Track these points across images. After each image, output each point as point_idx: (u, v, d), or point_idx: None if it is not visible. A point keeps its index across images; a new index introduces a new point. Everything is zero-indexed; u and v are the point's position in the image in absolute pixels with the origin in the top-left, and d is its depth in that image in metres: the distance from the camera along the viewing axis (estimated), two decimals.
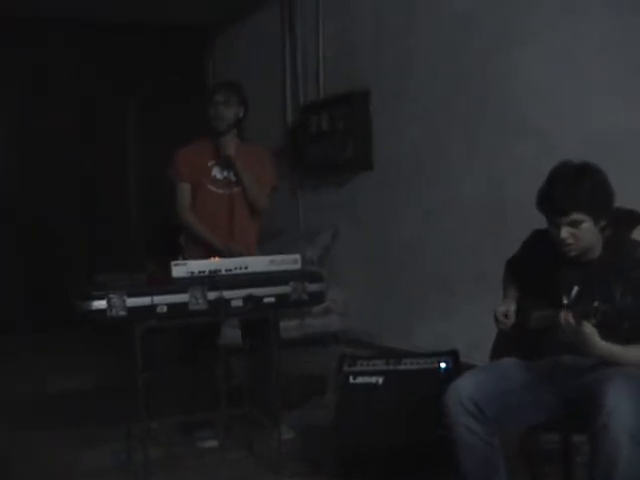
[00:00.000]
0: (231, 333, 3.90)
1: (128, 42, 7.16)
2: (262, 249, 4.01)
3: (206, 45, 7.81)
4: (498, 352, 2.73)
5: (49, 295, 6.31)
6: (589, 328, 2.30)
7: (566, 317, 2.33)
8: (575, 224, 2.41)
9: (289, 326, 4.84)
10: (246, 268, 3.37)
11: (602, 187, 2.44)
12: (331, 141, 5.71)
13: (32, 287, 6.85)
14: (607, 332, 2.32)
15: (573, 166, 2.47)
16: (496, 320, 2.69)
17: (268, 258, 3.44)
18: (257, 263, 3.41)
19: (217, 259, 3.40)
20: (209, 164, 3.83)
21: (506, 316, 2.68)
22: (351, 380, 3.33)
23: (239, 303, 3.26)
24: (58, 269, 6.85)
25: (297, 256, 3.48)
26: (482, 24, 4.41)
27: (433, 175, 4.87)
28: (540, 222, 2.56)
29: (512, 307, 2.70)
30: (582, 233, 2.43)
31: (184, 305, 3.18)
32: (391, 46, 5.20)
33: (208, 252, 3.64)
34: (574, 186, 2.40)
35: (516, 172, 4.15)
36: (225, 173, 3.84)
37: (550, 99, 4.01)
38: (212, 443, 3.72)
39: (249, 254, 3.69)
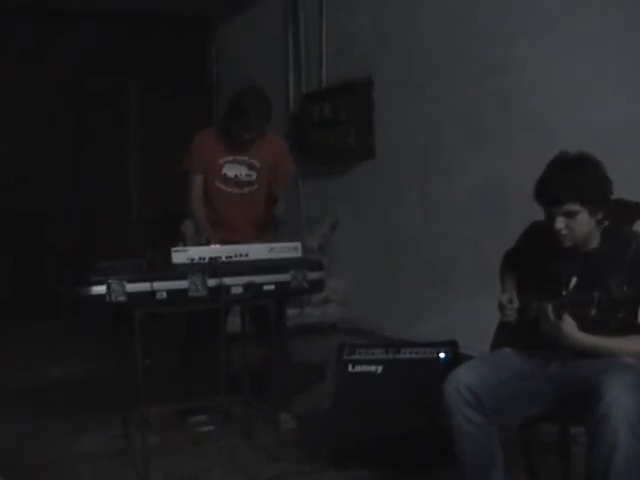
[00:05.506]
0: (231, 320, 3.90)
1: (130, 31, 7.17)
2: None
3: (209, 34, 7.79)
4: (499, 343, 2.73)
5: (49, 295, 6.29)
6: (568, 322, 2.33)
7: (545, 311, 2.35)
8: (570, 214, 2.41)
9: (289, 315, 4.83)
10: (246, 255, 3.36)
11: (598, 178, 2.43)
12: (333, 130, 5.70)
13: (32, 287, 6.80)
14: (600, 323, 2.32)
15: (570, 157, 2.46)
16: (501, 308, 2.69)
17: (268, 246, 3.44)
18: (257, 250, 3.40)
19: (217, 246, 3.40)
20: (220, 161, 3.82)
21: (511, 302, 2.68)
22: (350, 369, 3.33)
23: (239, 290, 3.26)
24: (58, 269, 6.81)
25: (297, 244, 3.48)
26: (485, 13, 4.40)
27: (435, 164, 4.86)
28: (540, 213, 2.55)
29: (515, 294, 2.70)
30: (577, 224, 2.43)
31: (184, 291, 3.18)
32: (394, 35, 5.18)
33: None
34: (570, 177, 2.40)
35: (517, 163, 4.14)
36: (237, 172, 3.83)
37: (553, 91, 3.99)
38: (208, 428, 3.73)
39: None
